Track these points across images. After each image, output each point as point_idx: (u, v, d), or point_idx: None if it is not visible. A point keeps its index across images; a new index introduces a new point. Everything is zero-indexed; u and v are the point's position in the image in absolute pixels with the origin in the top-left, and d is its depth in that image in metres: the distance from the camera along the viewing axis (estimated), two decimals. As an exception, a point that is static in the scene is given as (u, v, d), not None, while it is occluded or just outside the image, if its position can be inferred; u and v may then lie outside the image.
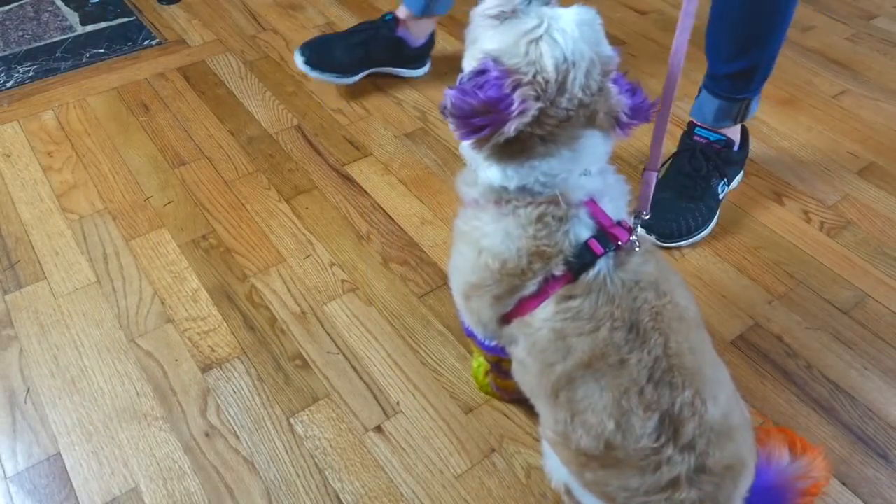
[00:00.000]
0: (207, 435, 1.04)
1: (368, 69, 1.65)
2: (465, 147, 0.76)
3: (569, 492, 0.87)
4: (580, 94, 0.70)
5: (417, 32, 1.63)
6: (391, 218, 1.36)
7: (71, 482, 0.99)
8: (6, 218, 1.36)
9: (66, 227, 1.35)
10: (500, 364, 1.01)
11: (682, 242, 1.29)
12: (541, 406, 0.83)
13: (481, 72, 0.70)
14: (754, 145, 1.50)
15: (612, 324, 0.74)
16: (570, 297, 0.75)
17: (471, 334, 0.94)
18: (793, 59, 1.77)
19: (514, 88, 0.69)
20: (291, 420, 1.05)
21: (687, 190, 1.31)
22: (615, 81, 0.73)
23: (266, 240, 1.32)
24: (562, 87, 0.69)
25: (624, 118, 0.74)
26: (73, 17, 1.90)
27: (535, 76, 0.69)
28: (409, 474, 0.99)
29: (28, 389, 1.10)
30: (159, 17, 1.93)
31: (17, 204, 1.39)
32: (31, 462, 1.01)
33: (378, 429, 1.04)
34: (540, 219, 0.75)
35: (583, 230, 0.76)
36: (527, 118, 0.69)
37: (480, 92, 0.69)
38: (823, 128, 1.56)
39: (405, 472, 0.99)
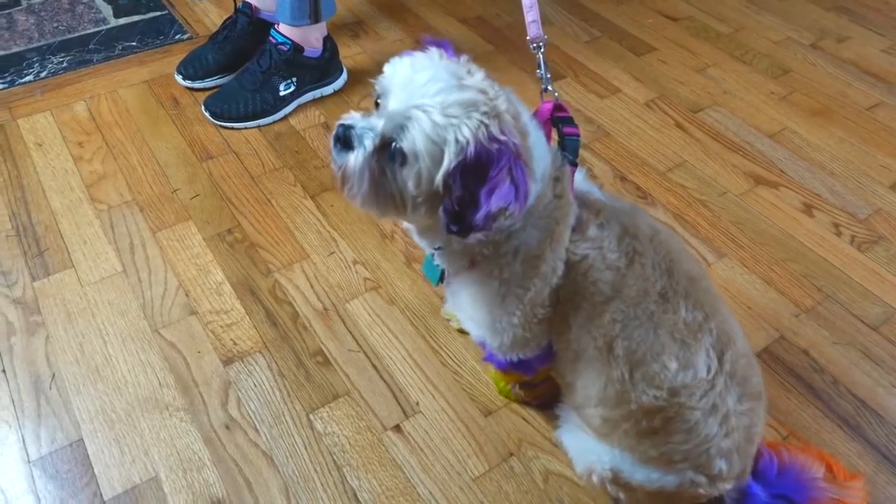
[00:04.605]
0: (227, 427, 1.04)
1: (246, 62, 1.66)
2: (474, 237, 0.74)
3: (616, 477, 0.85)
4: (499, 90, 0.72)
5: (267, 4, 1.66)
6: (415, 218, 1.36)
7: (92, 468, 1.00)
8: (36, 206, 1.38)
9: (94, 217, 1.36)
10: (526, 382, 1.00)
11: (233, 124, 1.55)
12: (587, 374, 0.81)
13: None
14: (784, 155, 1.49)
15: (640, 259, 0.77)
16: (598, 225, 0.78)
17: (500, 364, 0.93)
18: (827, 69, 1.74)
19: (490, 139, 0.69)
20: (311, 416, 1.06)
21: (251, 81, 1.56)
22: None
23: (290, 236, 1.33)
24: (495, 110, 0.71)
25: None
26: (106, 10, 1.92)
27: (486, 121, 0.69)
28: (427, 475, 0.99)
29: (53, 375, 1.11)
30: (191, 12, 1.95)
31: (47, 192, 1.41)
32: (54, 447, 1.03)
33: (397, 428, 1.04)
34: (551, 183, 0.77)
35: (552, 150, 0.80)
36: (519, 144, 0.70)
37: (493, 171, 0.68)
38: (856, 140, 1.54)
39: (423, 473, 0.99)
